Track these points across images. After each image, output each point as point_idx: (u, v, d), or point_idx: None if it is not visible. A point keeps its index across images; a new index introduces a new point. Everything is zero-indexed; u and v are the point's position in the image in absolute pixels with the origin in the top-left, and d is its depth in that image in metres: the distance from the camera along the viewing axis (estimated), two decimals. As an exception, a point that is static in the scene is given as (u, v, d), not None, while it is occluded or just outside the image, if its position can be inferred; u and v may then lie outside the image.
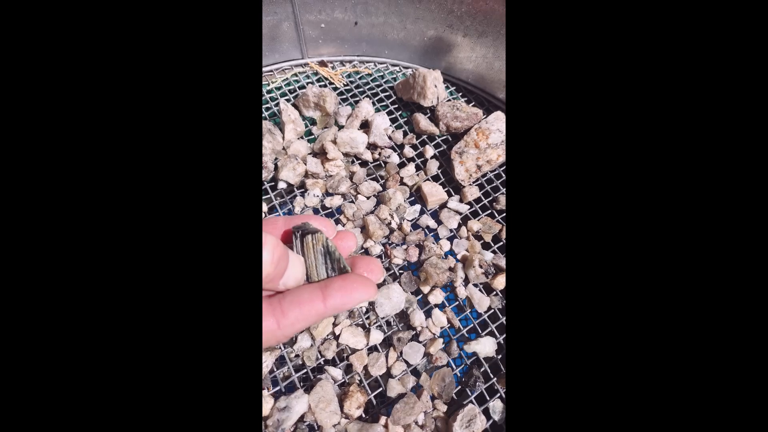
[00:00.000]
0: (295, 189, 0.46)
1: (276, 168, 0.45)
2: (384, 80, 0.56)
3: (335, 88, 0.55)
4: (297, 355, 0.37)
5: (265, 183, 0.45)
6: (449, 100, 0.54)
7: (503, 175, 0.48)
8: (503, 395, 0.35)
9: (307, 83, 0.55)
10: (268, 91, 0.54)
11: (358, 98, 0.53)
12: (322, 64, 0.57)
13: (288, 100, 0.52)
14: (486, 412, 0.35)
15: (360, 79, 0.56)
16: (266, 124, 0.47)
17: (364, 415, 0.34)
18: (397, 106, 0.54)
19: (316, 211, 0.45)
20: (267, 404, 0.33)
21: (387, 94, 0.54)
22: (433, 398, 0.35)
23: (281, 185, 0.45)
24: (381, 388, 0.35)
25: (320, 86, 0.54)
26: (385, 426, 0.33)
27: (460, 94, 0.56)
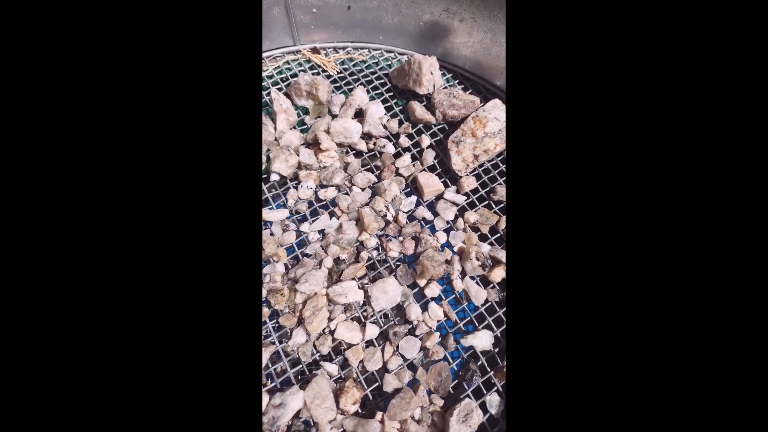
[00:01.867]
0: (288, 181, 0.45)
1: (268, 160, 0.44)
2: (378, 67, 0.55)
3: (328, 76, 0.53)
4: (293, 350, 0.36)
5: (257, 175, 0.44)
6: (446, 87, 0.52)
7: (501, 164, 0.47)
8: (500, 389, 0.35)
9: (300, 71, 0.53)
10: (259, 80, 0.52)
11: (352, 86, 0.52)
12: (315, 51, 0.55)
13: (280, 89, 0.51)
14: (483, 406, 0.34)
15: (354, 66, 0.55)
16: (257, 114, 0.45)
17: (360, 411, 0.34)
18: (392, 93, 0.52)
19: (310, 203, 0.44)
20: (262, 400, 0.33)
21: (382, 81, 0.53)
22: (429, 392, 0.35)
23: (273, 177, 0.44)
24: (377, 383, 0.35)
25: (313, 74, 0.53)
26: (381, 421, 0.32)
27: (457, 81, 0.55)
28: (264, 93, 0.50)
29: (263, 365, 0.35)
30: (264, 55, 0.54)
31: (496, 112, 0.47)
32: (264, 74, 0.53)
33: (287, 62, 0.54)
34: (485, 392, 0.35)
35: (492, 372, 0.36)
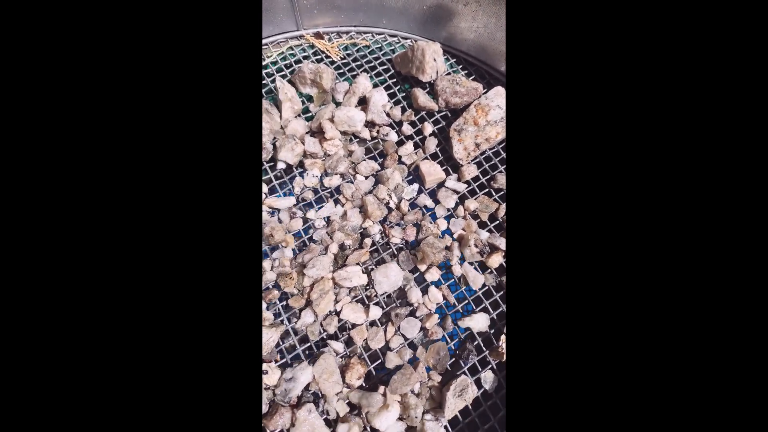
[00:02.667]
0: (295, 169, 0.46)
1: (275, 148, 0.46)
2: (382, 52, 0.55)
3: (332, 62, 0.53)
4: (302, 329, 0.39)
5: (265, 163, 0.46)
6: (449, 73, 0.52)
7: (502, 152, 0.48)
8: (494, 366, 0.38)
9: (303, 57, 0.54)
10: (264, 66, 0.52)
11: (355, 72, 0.52)
12: (318, 36, 0.55)
13: (284, 76, 0.51)
14: (478, 382, 0.37)
15: (357, 51, 0.55)
16: (264, 103, 0.46)
17: (364, 384, 0.37)
18: (395, 80, 0.52)
19: (315, 191, 0.45)
20: (275, 375, 0.36)
21: (385, 67, 0.53)
22: (428, 369, 0.37)
23: (280, 165, 0.45)
24: (380, 360, 0.38)
25: (317, 60, 0.53)
26: (384, 394, 0.35)
27: (461, 66, 0.55)
28: (269, 80, 0.51)
29: (275, 343, 0.38)
30: (267, 40, 0.54)
31: (498, 99, 0.47)
32: (268, 60, 0.53)
33: (291, 48, 0.54)
34: (480, 369, 0.38)
35: (487, 351, 0.38)
